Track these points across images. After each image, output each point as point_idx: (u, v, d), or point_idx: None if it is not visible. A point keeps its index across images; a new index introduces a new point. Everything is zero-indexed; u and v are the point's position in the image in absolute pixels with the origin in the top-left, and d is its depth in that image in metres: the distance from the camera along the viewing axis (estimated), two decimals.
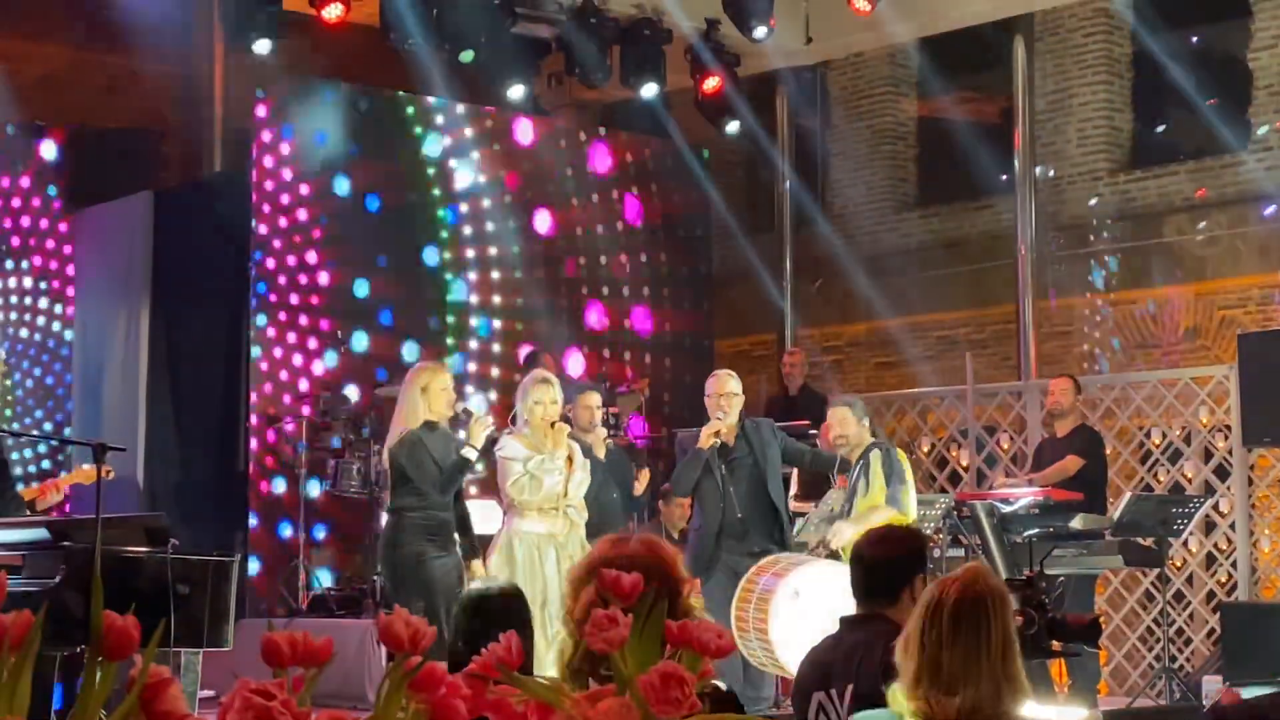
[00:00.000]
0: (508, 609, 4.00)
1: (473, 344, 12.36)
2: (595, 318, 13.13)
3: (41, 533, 6.33)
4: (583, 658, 2.95)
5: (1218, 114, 12.84)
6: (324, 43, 11.85)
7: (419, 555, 7.60)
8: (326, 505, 11.16)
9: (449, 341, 12.25)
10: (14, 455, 11.02)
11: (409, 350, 11.83)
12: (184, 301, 11.70)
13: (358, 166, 11.78)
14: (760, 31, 12.08)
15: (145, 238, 11.94)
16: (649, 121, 13.39)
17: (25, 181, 12.21)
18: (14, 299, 12.19)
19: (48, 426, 12.12)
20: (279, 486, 11.13)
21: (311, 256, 11.53)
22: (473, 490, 9.51)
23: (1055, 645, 4.92)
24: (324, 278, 11.57)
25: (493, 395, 12.10)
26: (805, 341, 13.97)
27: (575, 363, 12.79)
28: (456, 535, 7.80)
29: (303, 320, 11.45)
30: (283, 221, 11.42)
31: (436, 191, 12.30)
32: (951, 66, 14.18)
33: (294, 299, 11.41)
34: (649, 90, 12.38)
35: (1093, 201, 13.26)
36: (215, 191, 11.88)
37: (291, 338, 11.37)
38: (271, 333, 11.28)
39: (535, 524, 7.81)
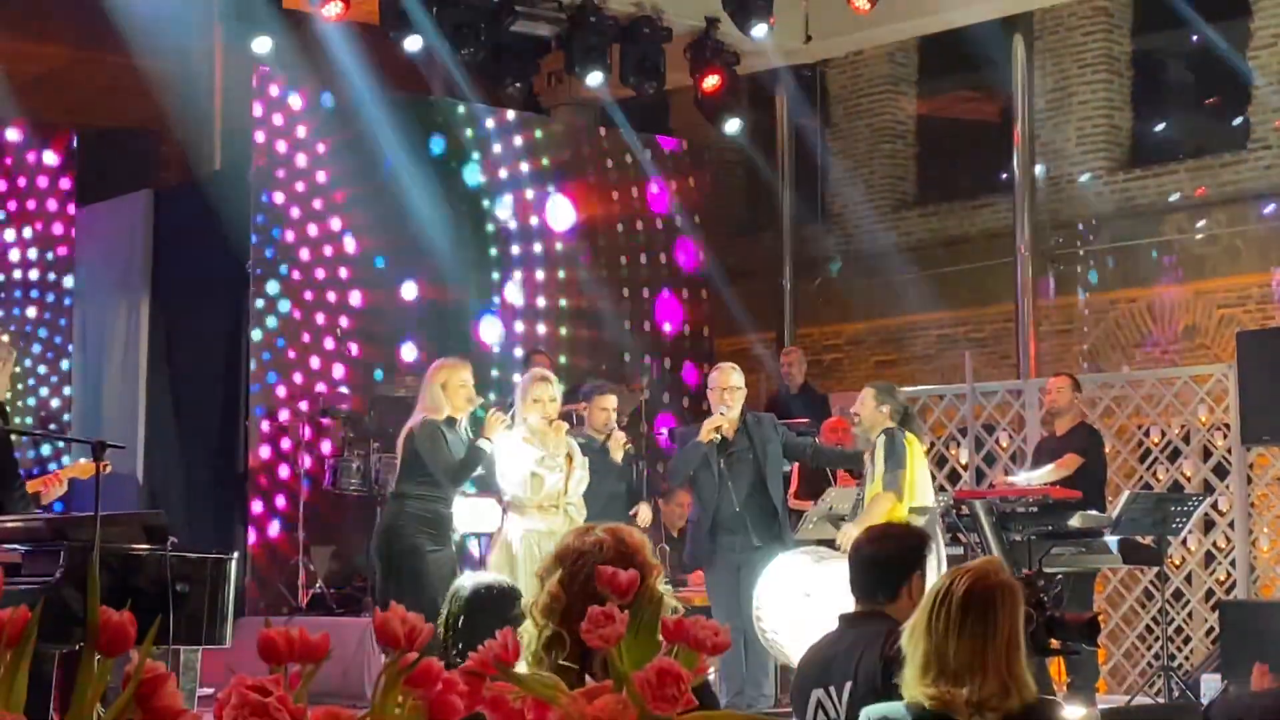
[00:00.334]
0: (498, 603, 3.99)
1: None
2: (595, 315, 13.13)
3: (40, 530, 6.33)
4: (544, 646, 2.98)
5: (1217, 113, 12.85)
6: (324, 41, 11.84)
7: (415, 548, 7.62)
8: (326, 503, 11.15)
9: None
10: (18, 454, 11.00)
11: (406, 350, 11.82)
12: (183, 299, 11.71)
13: (359, 163, 11.78)
14: (759, 30, 12.09)
15: (145, 236, 11.95)
16: (648, 119, 13.40)
17: (24, 180, 12.21)
18: (15, 294, 12.19)
19: (51, 426, 12.11)
20: (278, 484, 11.12)
21: (307, 255, 11.53)
22: (470, 489, 9.48)
23: (1054, 643, 4.91)
24: (322, 274, 11.56)
25: (491, 395, 12.09)
26: (804, 340, 13.98)
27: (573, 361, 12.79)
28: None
29: (300, 318, 11.44)
30: (282, 219, 11.42)
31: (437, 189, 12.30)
32: (951, 65, 14.19)
33: (294, 297, 11.41)
34: (648, 89, 12.37)
35: (1092, 200, 13.27)
36: (215, 190, 11.88)
37: (291, 336, 11.36)
38: (272, 328, 11.27)
39: (535, 521, 7.81)
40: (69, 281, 12.27)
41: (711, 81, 12.71)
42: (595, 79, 12.22)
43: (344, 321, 11.56)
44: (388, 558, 7.78)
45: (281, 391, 11.25)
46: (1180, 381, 11.38)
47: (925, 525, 8.02)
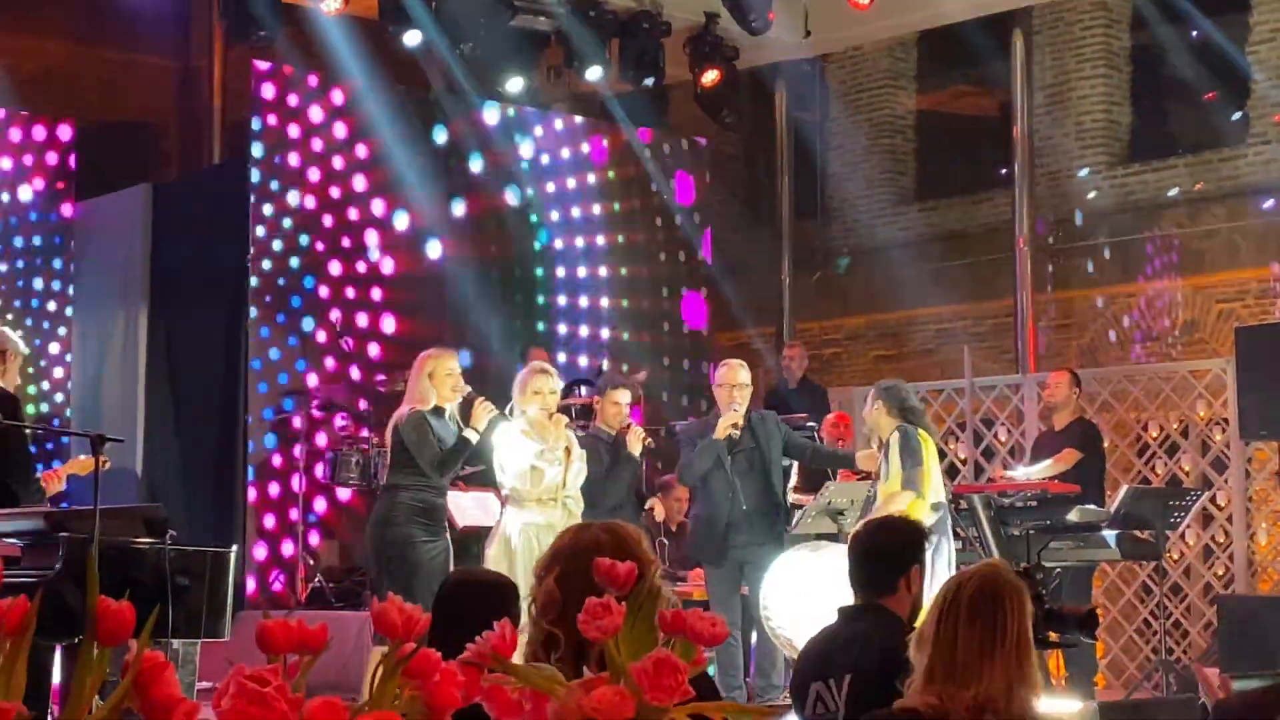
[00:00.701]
0: (490, 594, 3.98)
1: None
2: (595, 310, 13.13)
3: (40, 523, 6.34)
4: (541, 645, 2.97)
5: (1216, 107, 12.85)
6: (323, 35, 11.84)
7: (408, 538, 7.61)
8: (324, 497, 11.16)
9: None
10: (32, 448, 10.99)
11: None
12: (183, 294, 11.70)
13: (357, 166, 11.78)
14: (759, 24, 12.09)
15: (144, 230, 11.94)
16: (648, 113, 13.40)
17: (24, 175, 12.21)
18: (16, 287, 12.18)
19: (52, 420, 12.11)
20: (277, 479, 11.12)
21: (306, 248, 11.52)
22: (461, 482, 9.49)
23: (1052, 637, 4.92)
24: (320, 268, 11.56)
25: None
26: (804, 335, 13.98)
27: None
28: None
29: (299, 311, 11.44)
30: (282, 213, 11.41)
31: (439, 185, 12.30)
32: (950, 60, 14.20)
33: (293, 291, 11.40)
34: (647, 83, 12.38)
35: (1091, 195, 13.27)
36: (214, 185, 11.87)
37: (290, 330, 11.36)
38: (269, 326, 11.27)
39: (534, 515, 7.81)
40: (68, 276, 12.27)
41: (711, 76, 12.71)
42: (595, 73, 12.22)
43: (342, 316, 11.55)
44: (380, 549, 7.78)
45: (281, 384, 11.25)
46: (1179, 376, 11.39)
47: (938, 522, 8.05)
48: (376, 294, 11.74)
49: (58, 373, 12.31)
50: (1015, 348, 12.53)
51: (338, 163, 11.62)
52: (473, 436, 7.70)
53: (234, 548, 7.03)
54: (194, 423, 11.62)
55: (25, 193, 12.19)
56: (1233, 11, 12.73)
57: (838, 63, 14.77)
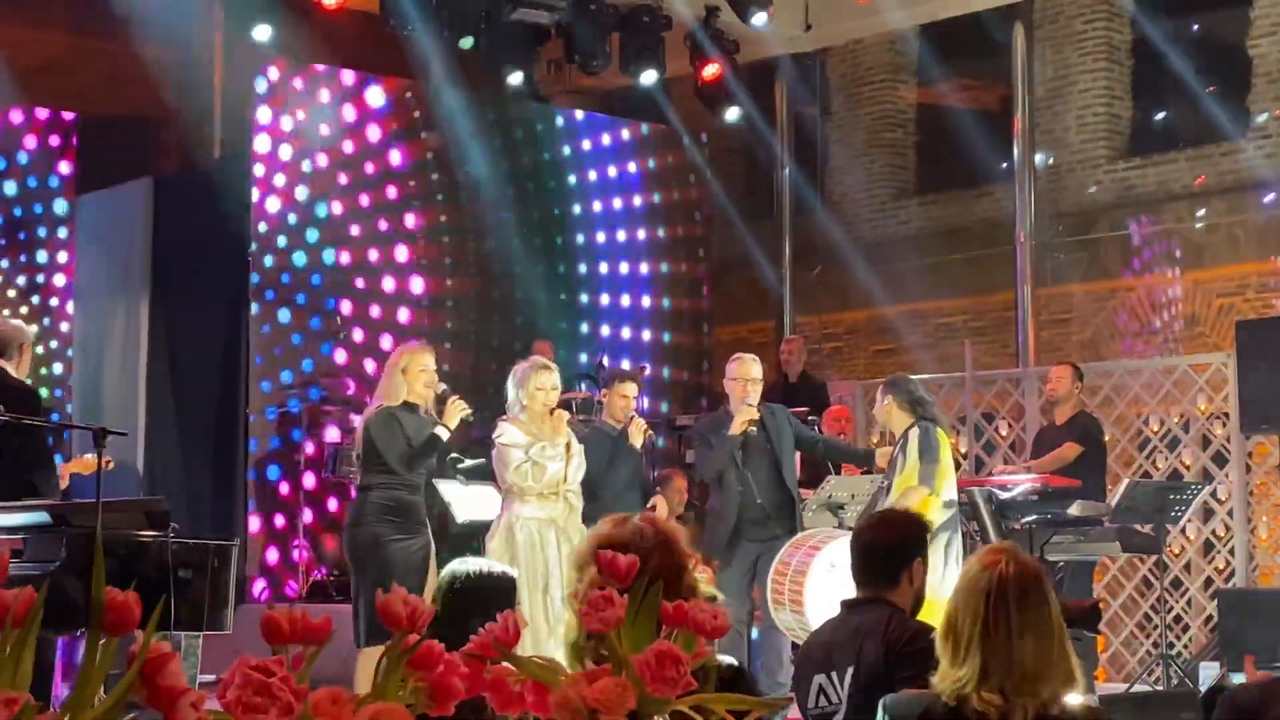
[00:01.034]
0: (491, 592, 3.98)
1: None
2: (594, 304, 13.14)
3: (42, 516, 6.34)
4: (587, 636, 2.95)
5: (1217, 101, 12.84)
6: (323, 29, 11.84)
7: (375, 537, 7.56)
8: (325, 491, 11.17)
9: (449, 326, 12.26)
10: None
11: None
12: (184, 288, 11.70)
13: (358, 160, 11.79)
14: (759, 18, 12.08)
15: (145, 224, 11.95)
16: (648, 108, 13.40)
17: (25, 168, 12.21)
18: (16, 281, 12.19)
19: (52, 414, 12.12)
20: (278, 473, 11.13)
21: (310, 245, 11.53)
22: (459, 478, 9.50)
23: None
24: (323, 265, 11.57)
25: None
26: (804, 329, 13.98)
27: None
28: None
29: (301, 304, 11.44)
30: (283, 206, 11.41)
31: (437, 177, 12.31)
32: (951, 53, 14.18)
33: (295, 285, 11.41)
34: (648, 77, 12.37)
35: (1092, 189, 13.27)
36: (215, 178, 11.88)
37: (291, 325, 11.37)
38: (270, 320, 11.28)
39: (535, 509, 7.80)
40: (69, 270, 12.28)
41: (711, 70, 12.70)
42: (595, 67, 12.20)
43: (345, 307, 11.57)
44: (352, 550, 7.77)
45: (283, 378, 11.26)
46: (1179, 370, 11.39)
47: (950, 519, 8.07)
48: (389, 285, 11.78)
49: (58, 367, 12.32)
50: (1016, 342, 12.53)
51: (338, 154, 11.62)
52: (443, 434, 7.63)
53: (236, 540, 7.04)
54: (195, 418, 11.62)
55: (26, 186, 12.20)
56: (1234, 5, 12.73)
57: (838, 56, 14.77)
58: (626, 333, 13.26)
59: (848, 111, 14.85)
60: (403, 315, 11.86)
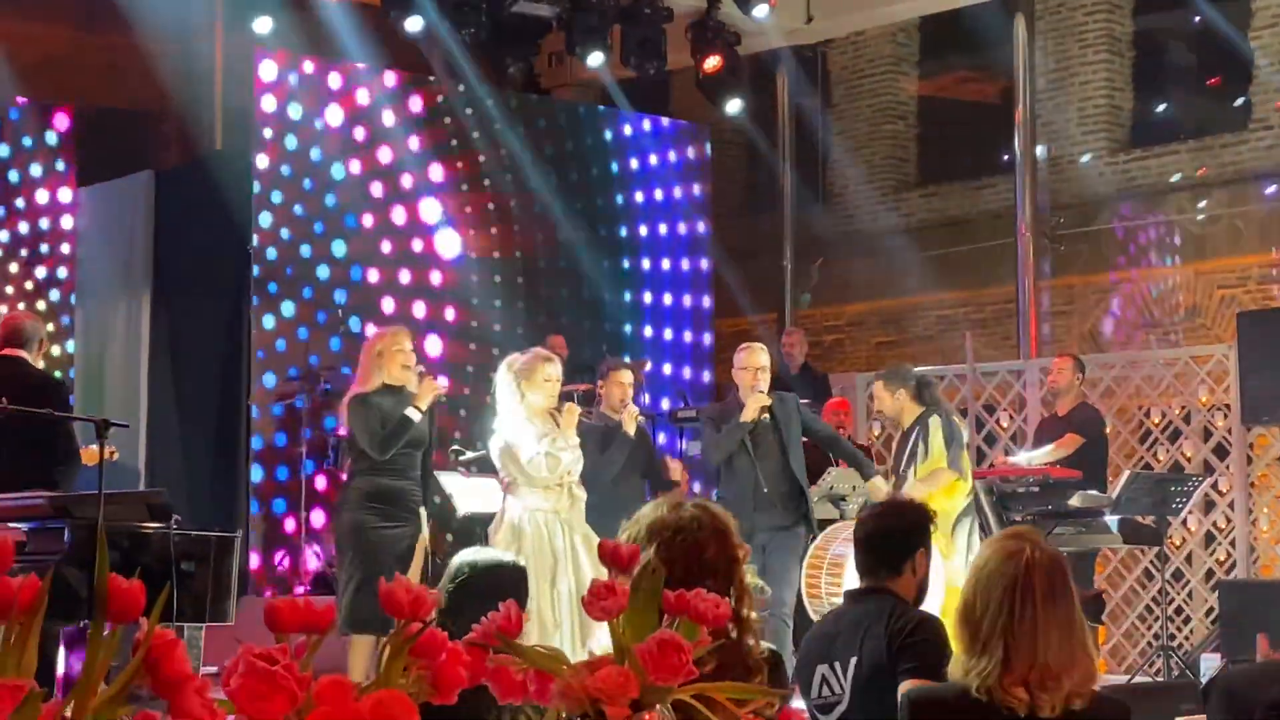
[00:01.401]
0: (506, 583, 3.97)
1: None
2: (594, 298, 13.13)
3: (44, 508, 6.35)
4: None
5: (1218, 93, 12.84)
6: (324, 21, 11.83)
7: (357, 525, 7.54)
8: (327, 485, 11.17)
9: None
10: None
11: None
12: (185, 280, 11.70)
13: (359, 151, 11.77)
14: (761, 10, 12.08)
15: (146, 217, 11.94)
16: (649, 99, 13.40)
17: (26, 161, 12.21)
18: (18, 274, 12.20)
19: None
20: (279, 466, 11.13)
21: (312, 237, 11.52)
22: (460, 470, 9.49)
23: None
24: (325, 256, 11.56)
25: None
26: (805, 321, 13.99)
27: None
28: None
29: (303, 295, 11.43)
30: (285, 198, 11.40)
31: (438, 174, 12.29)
32: (952, 45, 14.19)
33: (297, 277, 11.40)
34: (649, 68, 12.37)
35: (1093, 180, 13.27)
36: (216, 171, 11.87)
37: (292, 318, 11.36)
38: (273, 312, 11.27)
39: (540, 500, 7.79)
40: (70, 263, 12.28)
41: (712, 62, 12.69)
42: (596, 60, 12.20)
43: (345, 298, 11.55)
44: (336, 538, 7.77)
45: (285, 370, 11.25)
46: (1181, 362, 11.39)
47: (970, 505, 8.15)
48: (376, 278, 11.76)
49: (60, 359, 12.32)
50: (1017, 333, 12.54)
51: (340, 148, 11.61)
52: (414, 415, 7.58)
53: (239, 532, 7.04)
54: (197, 411, 11.63)
55: (27, 179, 12.20)
56: None
57: (840, 48, 14.76)
58: (628, 328, 13.24)
59: (849, 103, 14.84)
60: (419, 310, 11.81)
